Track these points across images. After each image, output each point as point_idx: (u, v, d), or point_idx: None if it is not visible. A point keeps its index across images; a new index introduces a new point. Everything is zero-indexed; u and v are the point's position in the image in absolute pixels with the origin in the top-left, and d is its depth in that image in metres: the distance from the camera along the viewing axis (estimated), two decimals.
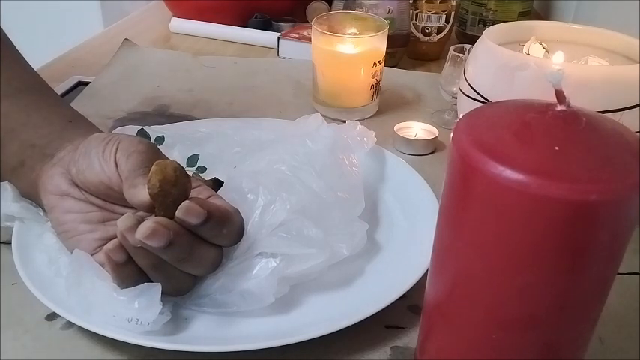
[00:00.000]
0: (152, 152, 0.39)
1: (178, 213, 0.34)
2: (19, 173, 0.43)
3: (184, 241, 0.34)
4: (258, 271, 0.38)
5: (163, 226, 0.33)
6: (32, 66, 0.50)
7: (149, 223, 0.33)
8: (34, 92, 0.47)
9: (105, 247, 0.35)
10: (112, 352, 0.37)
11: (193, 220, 0.34)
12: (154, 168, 0.33)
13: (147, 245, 0.33)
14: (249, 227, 0.39)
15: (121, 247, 0.34)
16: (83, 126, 0.45)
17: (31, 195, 0.43)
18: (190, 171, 0.46)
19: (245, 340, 0.36)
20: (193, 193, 0.38)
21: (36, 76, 0.49)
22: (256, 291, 0.37)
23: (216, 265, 0.38)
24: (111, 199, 0.40)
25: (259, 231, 0.39)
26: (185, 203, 0.34)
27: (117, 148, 0.38)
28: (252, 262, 0.38)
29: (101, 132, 0.45)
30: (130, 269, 0.35)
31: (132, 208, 0.37)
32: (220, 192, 0.42)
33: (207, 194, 0.40)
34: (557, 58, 0.50)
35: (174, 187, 0.33)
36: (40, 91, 0.48)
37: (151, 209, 0.35)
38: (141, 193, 0.35)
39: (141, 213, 0.36)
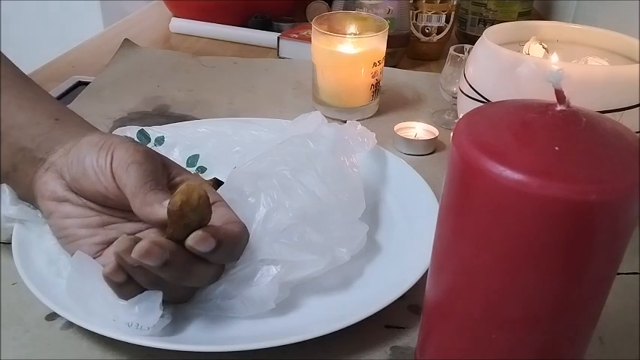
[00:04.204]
0: (150, 161, 0.38)
1: (189, 241, 0.33)
2: (13, 178, 0.42)
3: (181, 261, 0.34)
4: (259, 278, 0.38)
5: (159, 246, 0.33)
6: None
7: (144, 243, 0.32)
8: (13, 88, 0.43)
9: (104, 270, 0.34)
10: (112, 352, 0.37)
11: (203, 249, 0.34)
12: (182, 187, 0.33)
13: (144, 264, 0.33)
14: (251, 234, 0.39)
15: (119, 268, 0.34)
16: (71, 124, 0.43)
17: (28, 199, 0.42)
18: (190, 171, 0.46)
19: (245, 340, 0.36)
20: None
21: (13, 68, 0.45)
22: (257, 298, 0.37)
23: (216, 279, 0.38)
24: (109, 204, 0.39)
25: (262, 238, 0.38)
26: (199, 232, 0.34)
27: (112, 158, 0.37)
28: (254, 269, 0.38)
29: (90, 127, 0.44)
30: (131, 287, 0.35)
31: (131, 212, 0.37)
32: (220, 191, 0.42)
33: (213, 199, 0.38)
34: (554, 59, 0.50)
35: (192, 212, 0.33)
36: (20, 85, 0.44)
37: (164, 227, 0.35)
38: (160, 212, 0.35)
39: (137, 234, 0.35)
